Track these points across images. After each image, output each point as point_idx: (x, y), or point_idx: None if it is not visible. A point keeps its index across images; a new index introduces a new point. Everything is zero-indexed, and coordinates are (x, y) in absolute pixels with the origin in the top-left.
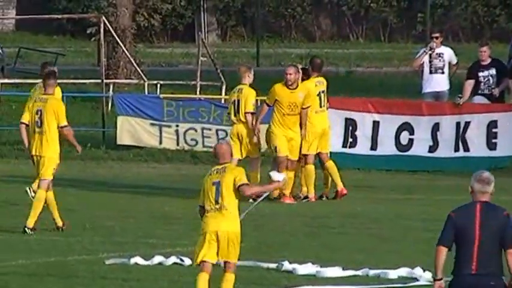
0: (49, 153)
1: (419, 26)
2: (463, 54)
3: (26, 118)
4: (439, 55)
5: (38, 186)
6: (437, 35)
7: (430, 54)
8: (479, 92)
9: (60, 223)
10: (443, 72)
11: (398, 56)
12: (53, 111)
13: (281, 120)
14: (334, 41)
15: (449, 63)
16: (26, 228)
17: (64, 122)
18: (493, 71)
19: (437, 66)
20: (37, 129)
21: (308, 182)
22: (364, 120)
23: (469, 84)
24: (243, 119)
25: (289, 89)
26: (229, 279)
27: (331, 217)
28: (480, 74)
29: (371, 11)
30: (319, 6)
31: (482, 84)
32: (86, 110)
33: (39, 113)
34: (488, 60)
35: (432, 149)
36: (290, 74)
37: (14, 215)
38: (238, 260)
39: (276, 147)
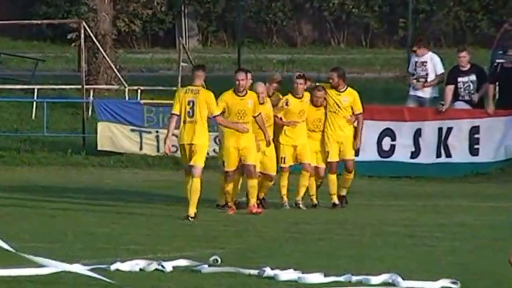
0: (201, 141)
1: (401, 31)
2: (445, 60)
3: (176, 109)
4: (423, 63)
5: (192, 175)
6: (414, 49)
7: (416, 62)
8: (460, 98)
9: (192, 213)
10: (426, 81)
11: (380, 62)
12: (205, 101)
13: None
14: (316, 46)
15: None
16: (189, 218)
17: (217, 112)
18: (472, 77)
19: (420, 75)
20: (189, 119)
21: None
22: None
23: (449, 89)
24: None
25: (238, 96)
26: None
27: (313, 223)
28: (459, 79)
29: (352, 16)
30: (301, 11)
31: (461, 90)
32: (66, 116)
33: (191, 103)
34: (468, 66)
35: (414, 154)
36: (242, 79)
37: None
38: (219, 266)
39: (223, 162)
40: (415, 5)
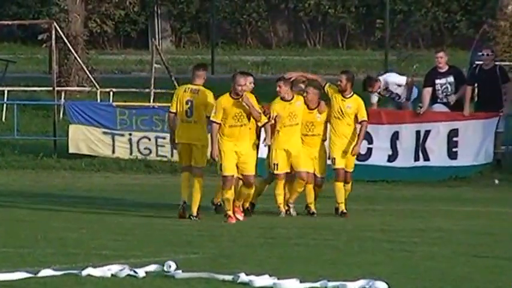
0: (200, 141)
1: (378, 32)
2: (423, 62)
3: (173, 107)
4: (386, 90)
5: (194, 175)
6: (369, 90)
7: (379, 93)
8: (438, 100)
9: (195, 212)
10: (399, 97)
11: (357, 63)
12: (204, 102)
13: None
14: (291, 48)
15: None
16: (191, 217)
17: (212, 116)
18: (450, 79)
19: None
20: (187, 119)
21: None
22: None
23: (427, 92)
24: None
25: (234, 98)
26: None
27: (289, 228)
28: (437, 81)
29: (329, 17)
30: (276, 12)
31: (439, 92)
32: (37, 118)
33: (189, 103)
34: (446, 68)
35: (391, 158)
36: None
37: None
38: (192, 272)
39: (221, 165)
40: (393, 5)
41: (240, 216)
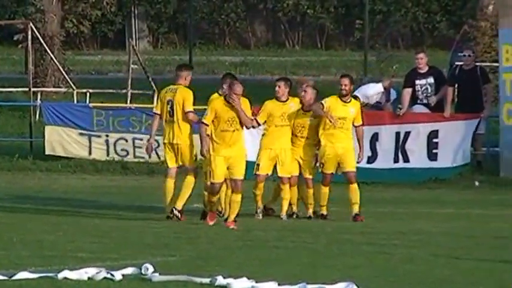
0: (183, 141)
1: (357, 33)
2: (403, 62)
3: (157, 108)
4: (366, 105)
5: (186, 172)
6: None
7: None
8: (418, 101)
9: (180, 206)
10: (381, 103)
11: (336, 64)
12: (182, 99)
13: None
14: (270, 48)
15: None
16: (174, 209)
17: (188, 108)
18: (430, 79)
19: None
20: (169, 118)
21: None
22: None
23: (407, 92)
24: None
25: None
26: None
27: (267, 230)
28: (417, 82)
29: (307, 18)
30: (254, 12)
31: (419, 92)
32: (13, 119)
33: (170, 103)
34: (426, 68)
35: (371, 159)
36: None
37: None
38: (170, 274)
39: (210, 172)
40: (372, 5)
41: (234, 226)
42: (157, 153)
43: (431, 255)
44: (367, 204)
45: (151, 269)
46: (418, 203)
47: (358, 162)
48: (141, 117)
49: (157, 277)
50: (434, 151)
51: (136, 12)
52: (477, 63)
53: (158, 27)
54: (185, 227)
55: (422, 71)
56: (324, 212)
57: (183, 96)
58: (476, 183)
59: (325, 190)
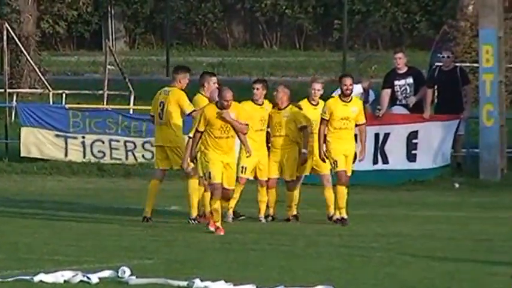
0: (172, 143)
1: (336, 33)
2: (382, 63)
3: (152, 110)
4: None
5: (186, 177)
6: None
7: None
8: (397, 102)
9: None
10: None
11: (314, 65)
12: (175, 102)
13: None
14: (247, 49)
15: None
16: (190, 220)
17: (189, 110)
18: (409, 80)
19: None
20: (159, 121)
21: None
22: None
23: (386, 93)
24: None
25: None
26: None
27: (245, 233)
28: (396, 82)
29: (286, 18)
30: (232, 12)
31: (398, 93)
32: None
33: (161, 105)
34: (405, 69)
35: None
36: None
37: None
38: (147, 278)
39: (209, 173)
40: (351, 5)
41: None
42: (134, 155)
43: (411, 258)
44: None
45: (128, 272)
46: (397, 205)
47: (359, 161)
48: (117, 119)
49: (134, 280)
50: (413, 152)
51: (112, 12)
52: (457, 64)
53: (135, 27)
54: (161, 230)
55: (401, 72)
56: (344, 215)
57: (176, 98)
58: (456, 185)
59: (342, 190)
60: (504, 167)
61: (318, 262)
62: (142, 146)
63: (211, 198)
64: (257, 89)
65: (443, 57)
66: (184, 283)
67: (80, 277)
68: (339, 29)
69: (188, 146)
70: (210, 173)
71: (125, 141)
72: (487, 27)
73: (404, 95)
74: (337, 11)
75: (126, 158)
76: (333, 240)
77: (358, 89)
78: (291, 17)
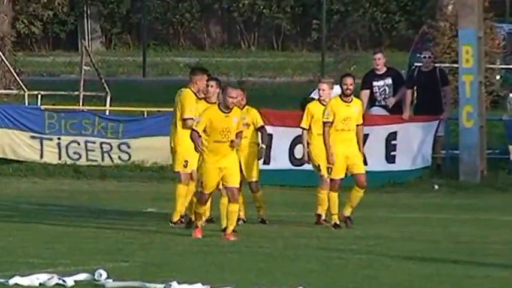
0: (176, 145)
1: (314, 34)
2: (361, 64)
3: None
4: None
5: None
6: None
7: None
8: (376, 103)
9: (176, 218)
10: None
11: (292, 65)
12: (180, 101)
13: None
14: (225, 49)
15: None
16: (171, 224)
17: (186, 115)
18: (388, 81)
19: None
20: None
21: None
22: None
23: (365, 94)
24: None
25: (224, 112)
26: None
27: (221, 236)
28: (375, 83)
29: (263, 18)
30: (209, 12)
31: (377, 94)
32: None
33: (175, 105)
34: (384, 69)
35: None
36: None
37: None
38: (123, 281)
39: (201, 183)
40: (329, 5)
41: (234, 238)
42: (110, 157)
43: (390, 260)
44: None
45: (104, 274)
46: (376, 207)
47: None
48: (93, 120)
49: (110, 283)
50: (392, 153)
51: (89, 12)
52: (436, 65)
53: (111, 27)
54: (138, 233)
55: (380, 72)
56: (337, 220)
57: (182, 99)
58: (436, 187)
59: (335, 196)
60: (484, 168)
61: (296, 264)
62: (119, 148)
63: (197, 203)
64: (211, 86)
65: (423, 57)
66: (161, 286)
67: (55, 280)
68: (318, 29)
69: (195, 139)
70: (203, 182)
71: (101, 143)
72: (466, 27)
73: (383, 96)
74: (316, 10)
75: (102, 160)
76: (312, 243)
77: (335, 90)
78: (269, 17)
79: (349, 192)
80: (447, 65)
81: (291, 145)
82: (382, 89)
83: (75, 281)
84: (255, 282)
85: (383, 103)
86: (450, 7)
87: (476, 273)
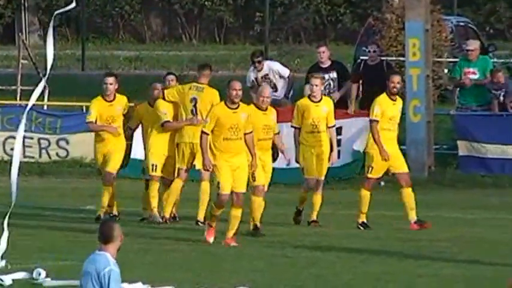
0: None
1: (257, 26)
2: (305, 57)
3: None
4: (265, 77)
5: (201, 179)
6: (259, 59)
7: (256, 79)
8: None
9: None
10: (276, 90)
11: (235, 59)
12: (209, 101)
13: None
14: (166, 43)
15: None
16: (199, 223)
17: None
18: (333, 74)
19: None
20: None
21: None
22: None
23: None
24: None
25: (231, 109)
26: None
27: (164, 234)
28: None
29: (205, 10)
30: (149, 4)
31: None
32: None
33: (193, 101)
34: (328, 63)
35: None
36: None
37: None
38: (62, 279)
39: (218, 183)
40: None
41: (235, 243)
42: (48, 153)
43: (335, 259)
44: (267, 206)
45: (43, 273)
46: (322, 204)
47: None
48: (31, 115)
49: (49, 282)
50: (337, 149)
51: (26, 4)
52: (383, 58)
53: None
54: (78, 231)
55: (324, 66)
56: (364, 219)
57: (211, 98)
58: (382, 184)
59: (367, 195)
60: (431, 164)
61: (239, 263)
62: (57, 144)
63: (215, 206)
64: (110, 83)
65: (368, 51)
66: None
67: None
68: (261, 21)
69: (203, 146)
70: (218, 182)
71: (39, 139)
72: (413, 19)
73: (328, 90)
74: (259, 3)
75: (40, 156)
76: (256, 240)
77: (284, 71)
78: (211, 9)
79: (400, 196)
80: (394, 58)
81: None
82: (326, 83)
83: (13, 280)
84: (197, 281)
85: None
86: None
87: (423, 272)
